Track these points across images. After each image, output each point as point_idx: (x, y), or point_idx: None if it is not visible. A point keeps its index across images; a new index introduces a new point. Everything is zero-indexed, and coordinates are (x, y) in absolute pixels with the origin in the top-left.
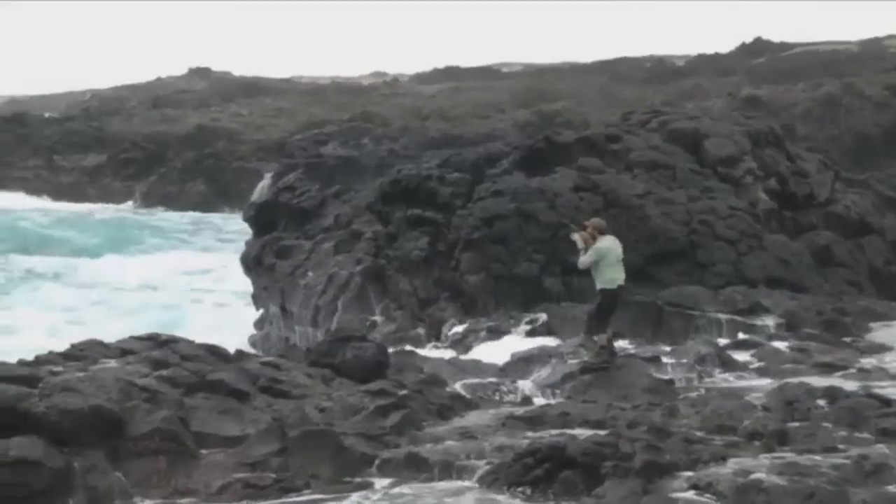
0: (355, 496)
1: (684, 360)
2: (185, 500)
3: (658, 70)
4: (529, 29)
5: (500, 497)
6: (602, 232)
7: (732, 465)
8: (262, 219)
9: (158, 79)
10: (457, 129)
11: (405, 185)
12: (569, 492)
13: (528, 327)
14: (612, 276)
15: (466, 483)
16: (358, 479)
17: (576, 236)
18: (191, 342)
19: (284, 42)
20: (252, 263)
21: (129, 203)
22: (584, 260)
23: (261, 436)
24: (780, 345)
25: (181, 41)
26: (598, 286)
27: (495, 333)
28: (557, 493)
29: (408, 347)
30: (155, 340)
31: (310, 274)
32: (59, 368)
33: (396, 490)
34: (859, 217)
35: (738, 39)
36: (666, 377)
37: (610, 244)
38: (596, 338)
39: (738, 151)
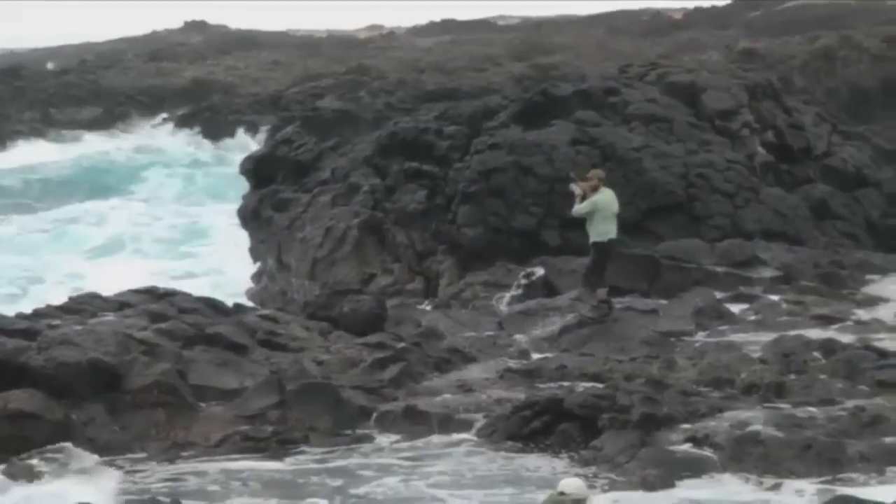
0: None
1: (681, 313)
2: (184, 453)
3: (655, 23)
4: None
5: (499, 449)
6: (602, 184)
7: (729, 417)
8: (259, 172)
9: (154, 32)
10: (453, 83)
11: (402, 138)
12: (566, 444)
13: (525, 281)
14: (605, 228)
15: (464, 436)
16: (357, 432)
17: (574, 186)
18: (189, 295)
19: None
20: (249, 217)
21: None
22: (578, 208)
23: (259, 389)
24: (777, 297)
25: None
26: (591, 238)
27: (493, 286)
28: (555, 445)
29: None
30: (153, 293)
31: (307, 227)
32: (57, 322)
33: (395, 443)
34: (856, 170)
35: None
36: (663, 330)
37: (607, 198)
38: (597, 291)
39: (736, 104)
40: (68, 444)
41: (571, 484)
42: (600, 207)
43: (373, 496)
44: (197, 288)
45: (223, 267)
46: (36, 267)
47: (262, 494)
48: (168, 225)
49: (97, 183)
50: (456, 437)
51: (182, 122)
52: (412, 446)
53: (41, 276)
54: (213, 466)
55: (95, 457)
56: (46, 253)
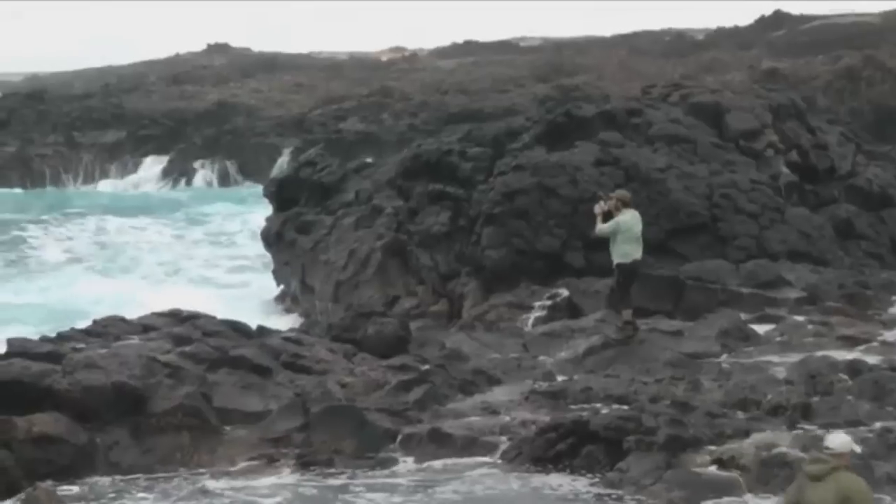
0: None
1: (707, 335)
2: (208, 475)
3: (677, 43)
4: (548, 2)
5: (523, 472)
6: (626, 205)
7: (756, 439)
8: (283, 194)
9: (177, 55)
10: (476, 104)
11: (426, 160)
12: (592, 466)
13: (549, 302)
14: (628, 250)
15: (489, 458)
16: (381, 455)
17: (597, 207)
18: (212, 318)
19: (303, 17)
20: (273, 239)
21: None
22: (602, 228)
23: (283, 411)
24: (803, 318)
25: (200, 17)
26: (614, 260)
27: (517, 308)
28: (580, 467)
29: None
30: (177, 317)
31: (331, 249)
32: (82, 345)
33: (420, 465)
34: (881, 189)
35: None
36: (688, 351)
37: (630, 219)
38: (622, 313)
39: (760, 124)
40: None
41: (838, 439)
42: (623, 229)
43: None
44: None
45: None
46: None
47: None
48: None
49: None
50: (481, 459)
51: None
52: (430, 467)
53: None
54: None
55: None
56: None
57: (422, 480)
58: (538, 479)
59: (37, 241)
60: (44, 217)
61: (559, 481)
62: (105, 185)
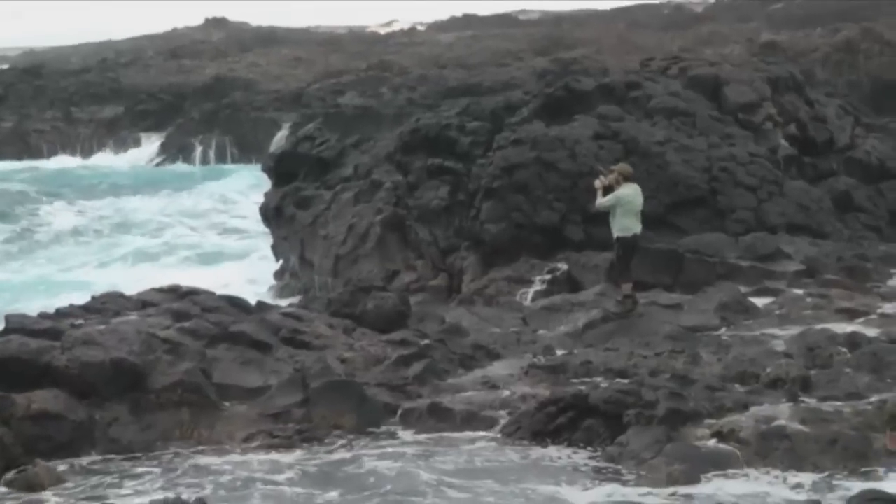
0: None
1: (706, 308)
2: (208, 452)
3: (676, 16)
4: None
5: (523, 447)
6: (627, 178)
7: (755, 412)
8: (281, 169)
9: (175, 29)
10: (475, 78)
11: (425, 134)
12: (591, 440)
13: (548, 276)
14: (628, 224)
15: (489, 433)
16: (381, 429)
17: (597, 182)
18: (212, 293)
19: None
20: (272, 214)
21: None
22: (601, 202)
23: (283, 387)
24: (801, 291)
25: None
26: (614, 233)
27: (516, 282)
28: (580, 441)
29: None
30: (176, 292)
31: (330, 224)
32: (80, 321)
33: (419, 438)
34: (879, 162)
35: None
36: (688, 325)
37: (631, 193)
38: (621, 286)
39: (758, 97)
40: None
41: None
42: (623, 202)
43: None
44: None
45: None
46: None
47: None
48: None
49: None
50: (480, 433)
51: None
52: (431, 440)
53: None
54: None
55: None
56: None
57: (423, 452)
58: (537, 452)
59: (43, 215)
60: (47, 191)
61: (558, 454)
62: (101, 159)
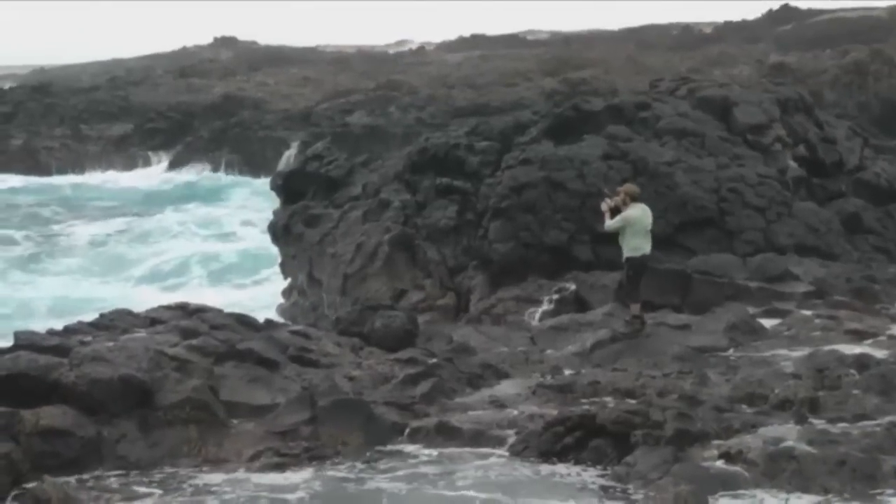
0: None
1: (714, 329)
2: (216, 469)
3: (685, 37)
4: None
5: (531, 465)
6: (634, 199)
7: (763, 433)
8: (290, 187)
9: (184, 48)
10: (483, 98)
11: (433, 154)
12: (599, 460)
13: (556, 296)
14: (638, 244)
15: (497, 451)
16: (389, 448)
17: (603, 204)
18: (220, 311)
19: (310, 11)
20: (280, 232)
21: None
22: (610, 224)
23: (291, 405)
24: (810, 313)
25: (207, 10)
26: (624, 254)
27: (524, 302)
28: (588, 461)
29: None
30: (184, 310)
31: (338, 243)
32: (89, 338)
33: (427, 455)
34: (888, 184)
35: (766, 6)
36: (696, 345)
37: (639, 213)
38: (630, 307)
39: (767, 119)
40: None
41: None
42: (632, 222)
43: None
44: None
45: None
46: None
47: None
48: None
49: None
50: (488, 451)
51: None
52: (441, 457)
53: None
54: (244, 481)
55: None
56: None
57: (433, 470)
58: (547, 469)
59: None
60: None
61: (567, 471)
62: (110, 177)
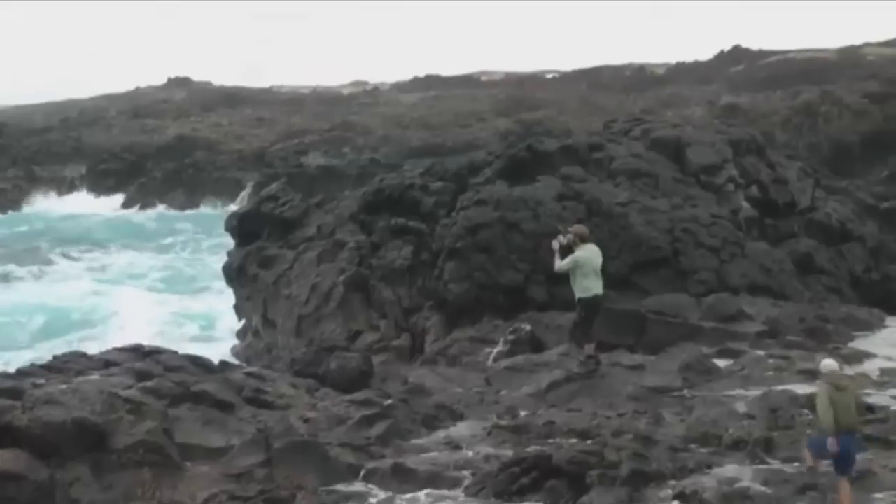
0: None
1: (668, 369)
2: None
3: (638, 78)
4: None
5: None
6: (584, 240)
7: (717, 473)
8: (245, 228)
9: (138, 89)
10: (438, 138)
11: (388, 194)
12: (555, 501)
13: (512, 336)
14: (588, 285)
15: (453, 493)
16: (344, 490)
17: (555, 242)
18: (174, 353)
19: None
20: (235, 273)
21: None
22: (560, 265)
23: (245, 447)
24: (763, 352)
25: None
26: (576, 294)
27: (479, 342)
28: (544, 501)
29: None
30: (138, 352)
31: (293, 284)
32: (42, 381)
33: (383, 497)
34: (840, 224)
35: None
36: (650, 385)
37: (588, 254)
38: (584, 347)
39: (720, 159)
40: None
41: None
42: (581, 263)
43: None
44: None
45: None
46: None
47: None
48: None
49: None
50: (444, 493)
51: None
52: (396, 498)
53: None
54: None
55: None
56: None
57: None
58: None
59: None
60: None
61: None
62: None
